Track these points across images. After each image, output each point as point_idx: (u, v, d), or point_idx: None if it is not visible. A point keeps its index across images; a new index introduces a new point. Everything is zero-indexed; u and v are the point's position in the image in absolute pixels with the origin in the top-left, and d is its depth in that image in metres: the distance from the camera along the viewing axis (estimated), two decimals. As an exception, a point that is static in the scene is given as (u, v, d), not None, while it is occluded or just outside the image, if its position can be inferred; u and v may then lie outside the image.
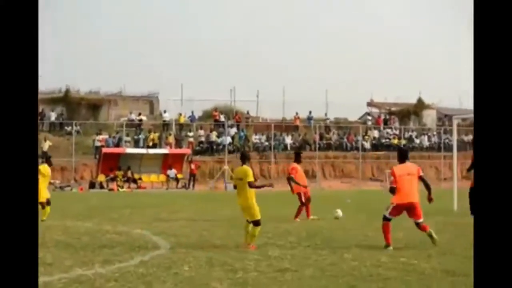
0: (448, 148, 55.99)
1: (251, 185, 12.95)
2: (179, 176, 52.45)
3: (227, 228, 16.94)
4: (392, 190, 13.17)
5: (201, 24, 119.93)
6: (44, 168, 20.13)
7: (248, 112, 66.41)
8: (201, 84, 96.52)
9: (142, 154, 53.18)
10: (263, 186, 14.31)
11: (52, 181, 50.23)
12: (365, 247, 13.04)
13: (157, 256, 11.62)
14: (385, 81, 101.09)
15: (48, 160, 21.18)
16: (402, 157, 13.66)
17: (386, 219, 13.08)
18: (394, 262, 10.92)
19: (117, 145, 56.44)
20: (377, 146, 61.73)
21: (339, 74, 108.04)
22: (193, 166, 52.08)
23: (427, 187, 13.43)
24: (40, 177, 19.34)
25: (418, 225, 13.20)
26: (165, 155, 53.55)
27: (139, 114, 62.98)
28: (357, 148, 59.72)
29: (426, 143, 63.57)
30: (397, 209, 13.11)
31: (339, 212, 20.59)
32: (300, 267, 10.33)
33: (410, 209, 13.14)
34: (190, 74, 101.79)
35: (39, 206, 19.29)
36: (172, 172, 51.85)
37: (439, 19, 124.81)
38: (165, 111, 63.79)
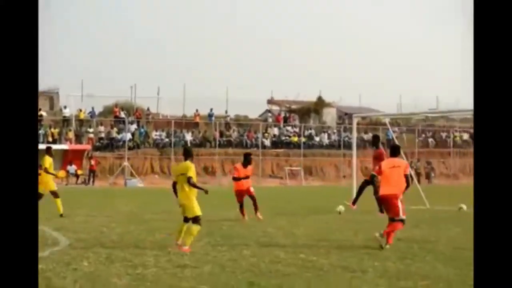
0: (348, 146, 56.92)
1: (189, 181, 12.53)
2: (79, 172, 51.91)
3: (127, 225, 16.95)
4: (372, 177, 13.20)
5: (105, 20, 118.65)
6: (48, 159, 21.36)
7: (148, 109, 66.12)
8: (102, 81, 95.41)
9: (42, 150, 52.26)
10: (201, 188, 13.35)
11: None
12: (264, 243, 13.24)
13: (57, 252, 11.59)
14: (285, 79, 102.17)
15: (49, 152, 22.14)
16: (393, 152, 13.89)
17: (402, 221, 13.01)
18: (293, 258, 11.12)
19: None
20: (277, 143, 62.34)
21: (240, 72, 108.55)
22: (93, 162, 51.64)
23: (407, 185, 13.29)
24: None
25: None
26: (65, 151, 52.85)
27: (39, 109, 61.85)
28: (257, 145, 60.16)
29: (326, 140, 64.59)
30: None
31: (341, 207, 21.57)
32: (200, 264, 10.45)
33: (384, 202, 13.50)
34: (91, 70, 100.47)
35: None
36: (72, 168, 51.26)
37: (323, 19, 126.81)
38: (65, 107, 62.88)
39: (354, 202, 22.03)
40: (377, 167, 13.72)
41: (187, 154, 13.16)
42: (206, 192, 13.13)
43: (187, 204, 12.62)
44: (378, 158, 19.26)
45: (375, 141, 22.29)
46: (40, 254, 11.11)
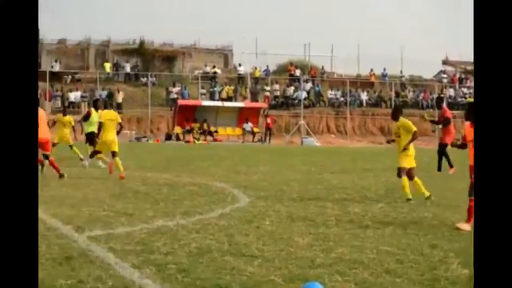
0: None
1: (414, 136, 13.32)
2: (255, 129, 52.57)
3: (306, 183, 16.85)
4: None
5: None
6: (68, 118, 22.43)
7: (323, 67, 65.99)
8: (275, 38, 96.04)
9: (218, 107, 53.42)
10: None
11: (127, 131, 51.14)
12: (445, 206, 12.75)
13: (237, 209, 11.58)
14: (461, 41, 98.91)
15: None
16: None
17: None
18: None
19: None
20: (453, 105, 60.64)
21: (413, 31, 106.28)
22: (269, 120, 52.13)
23: None
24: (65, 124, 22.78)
25: None
26: (241, 108, 53.70)
27: (214, 66, 63.11)
28: (432, 106, 58.71)
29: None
30: None
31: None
32: (381, 225, 10.17)
33: None
34: (264, 28, 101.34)
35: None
36: (248, 126, 52.00)
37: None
38: (240, 65, 63.86)
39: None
40: None
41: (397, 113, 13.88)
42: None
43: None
44: None
45: None
46: (220, 211, 11.23)
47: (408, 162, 13.28)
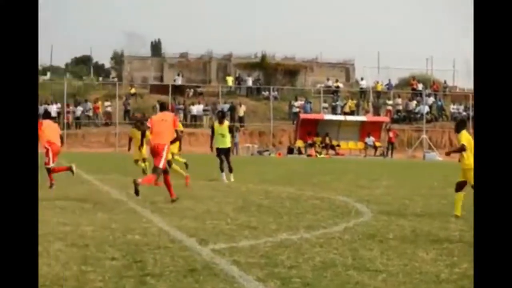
0: None
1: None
2: (377, 144, 52.17)
3: (428, 198, 16.64)
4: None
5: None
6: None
7: (445, 82, 65.03)
8: (396, 53, 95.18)
9: (340, 121, 53.40)
10: None
11: (249, 145, 51.69)
12: None
13: (361, 223, 11.56)
14: None
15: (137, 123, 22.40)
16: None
17: None
18: None
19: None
20: None
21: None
22: (391, 134, 51.68)
23: None
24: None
25: None
26: (363, 122, 53.49)
27: (336, 80, 63.17)
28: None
29: None
30: None
31: None
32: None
33: None
34: (385, 43, 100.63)
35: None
36: (370, 140, 51.67)
37: None
38: (362, 79, 63.71)
39: None
40: None
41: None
42: None
43: None
44: None
45: None
46: (344, 225, 11.25)
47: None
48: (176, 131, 14.83)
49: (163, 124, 14.70)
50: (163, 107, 15.99)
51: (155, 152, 14.49)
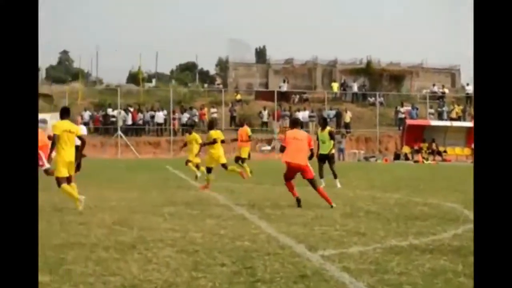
0: None
1: None
2: (482, 150, 51.12)
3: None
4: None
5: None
6: (216, 133, 20.83)
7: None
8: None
9: (447, 127, 52.65)
10: None
11: (355, 151, 51.50)
12: None
13: (470, 230, 11.37)
14: None
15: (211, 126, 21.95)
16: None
17: None
18: None
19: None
20: None
21: None
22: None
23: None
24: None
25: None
26: (470, 128, 52.48)
27: (442, 86, 62.31)
28: None
29: None
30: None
31: None
32: None
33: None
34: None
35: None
36: (477, 145, 50.69)
37: None
38: (468, 84, 62.65)
39: None
40: None
41: None
42: None
43: None
44: None
45: None
46: (453, 231, 11.12)
47: None
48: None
49: (300, 143, 15.12)
50: (295, 122, 16.42)
51: (298, 171, 15.34)
